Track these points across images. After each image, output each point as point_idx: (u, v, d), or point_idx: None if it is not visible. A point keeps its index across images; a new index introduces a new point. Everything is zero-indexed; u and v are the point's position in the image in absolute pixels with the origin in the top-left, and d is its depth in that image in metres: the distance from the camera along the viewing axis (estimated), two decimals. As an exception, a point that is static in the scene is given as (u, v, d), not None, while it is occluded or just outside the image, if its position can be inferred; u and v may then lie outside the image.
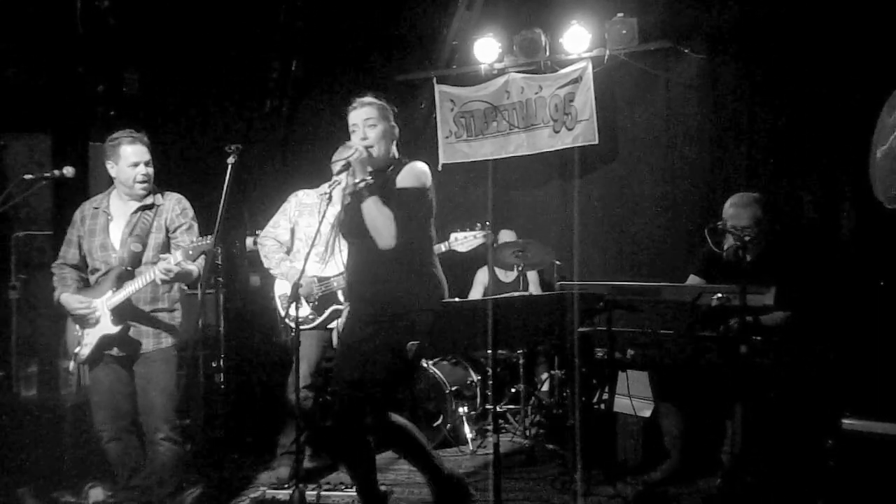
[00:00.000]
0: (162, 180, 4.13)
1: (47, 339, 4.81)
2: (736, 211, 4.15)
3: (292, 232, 4.64)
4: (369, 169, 3.32)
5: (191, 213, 3.92)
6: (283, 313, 4.59)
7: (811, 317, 4.01)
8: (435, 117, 6.39)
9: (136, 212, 3.81)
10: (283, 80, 6.34)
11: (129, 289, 3.65)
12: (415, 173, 3.36)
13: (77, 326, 3.75)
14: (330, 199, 4.28)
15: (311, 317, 4.50)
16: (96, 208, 3.86)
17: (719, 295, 3.66)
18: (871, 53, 4.71)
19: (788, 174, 5.30)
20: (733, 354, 3.65)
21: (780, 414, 3.70)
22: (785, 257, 4.14)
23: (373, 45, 6.47)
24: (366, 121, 3.40)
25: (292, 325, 4.09)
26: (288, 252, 4.65)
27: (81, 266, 3.86)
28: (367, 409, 3.30)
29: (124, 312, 3.68)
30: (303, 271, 4.11)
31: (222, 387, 3.42)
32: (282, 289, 4.62)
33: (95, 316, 3.67)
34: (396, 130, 3.49)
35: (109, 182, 4.84)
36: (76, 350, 3.73)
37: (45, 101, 5.14)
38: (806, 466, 3.62)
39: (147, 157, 3.79)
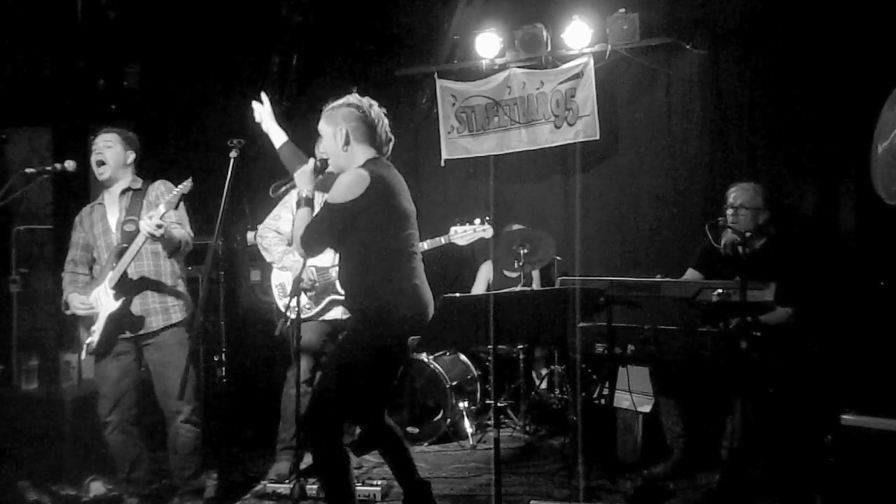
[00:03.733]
0: (163, 174, 4.15)
1: (48, 332, 4.83)
2: (739, 192, 4.23)
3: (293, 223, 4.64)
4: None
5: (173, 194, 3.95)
6: (280, 304, 4.58)
7: (810, 312, 4.01)
8: (436, 112, 6.38)
9: (122, 193, 3.90)
10: (284, 74, 6.32)
11: (126, 259, 3.70)
12: (339, 186, 3.20)
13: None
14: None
15: (307, 307, 4.49)
16: (91, 206, 3.98)
17: (719, 291, 3.66)
18: (873, 49, 4.71)
19: (789, 170, 5.30)
20: (733, 350, 3.65)
21: (780, 409, 3.70)
22: (785, 253, 4.15)
23: (373, 40, 6.45)
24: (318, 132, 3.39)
25: (292, 316, 4.11)
26: (290, 244, 4.64)
27: (90, 264, 3.95)
28: (332, 408, 3.23)
29: (126, 288, 3.75)
30: (304, 264, 4.14)
31: (223, 381, 3.43)
32: (278, 279, 4.62)
33: (97, 308, 3.75)
34: (343, 130, 3.29)
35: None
36: (87, 340, 3.79)
37: (46, 94, 5.14)
38: (805, 462, 3.63)
39: (105, 142, 3.88)
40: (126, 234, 3.78)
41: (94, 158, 3.89)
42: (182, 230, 3.83)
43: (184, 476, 3.89)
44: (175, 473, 3.91)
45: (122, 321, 3.77)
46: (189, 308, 3.96)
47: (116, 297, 3.73)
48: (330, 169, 3.43)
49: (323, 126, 3.36)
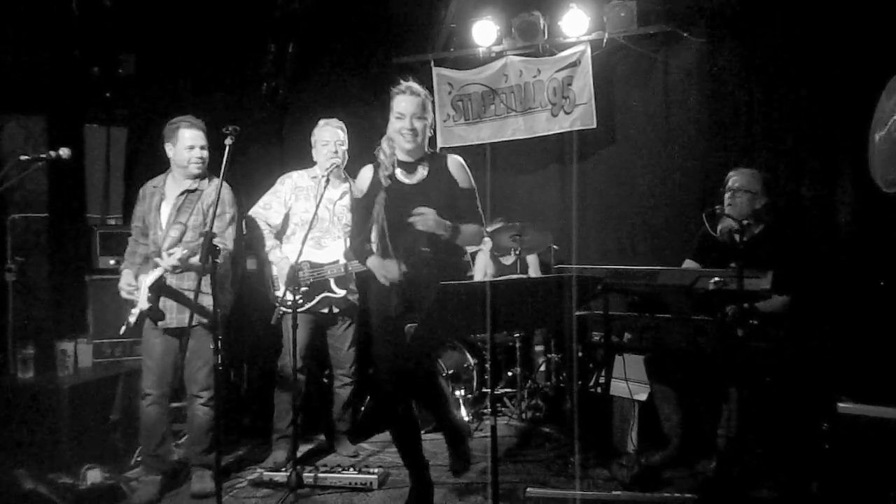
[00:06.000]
0: (158, 163, 4.15)
1: (44, 321, 4.82)
2: (738, 176, 4.23)
3: (286, 216, 4.62)
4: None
5: (228, 199, 4.15)
6: (276, 294, 4.57)
7: (807, 300, 4.02)
8: (433, 101, 6.35)
9: (181, 194, 4.10)
10: (280, 62, 6.29)
11: (157, 271, 3.93)
12: (466, 171, 3.56)
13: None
14: (327, 181, 4.30)
15: (299, 301, 4.48)
16: (155, 187, 4.17)
17: (716, 279, 3.66)
18: (870, 38, 4.69)
19: (787, 158, 5.29)
20: (730, 338, 3.66)
21: (777, 397, 3.71)
22: (782, 240, 4.15)
23: (370, 28, 6.42)
24: (413, 113, 3.47)
25: (283, 308, 4.12)
26: (278, 235, 4.63)
27: (147, 237, 4.16)
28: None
29: (163, 291, 4.00)
30: (299, 254, 4.13)
31: (220, 368, 3.44)
32: (272, 271, 4.61)
33: (137, 294, 4.01)
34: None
35: (105, 163, 4.90)
36: (128, 319, 4.06)
37: (41, 82, 5.10)
38: (801, 449, 3.64)
39: (203, 141, 4.11)
40: (171, 238, 4.02)
41: (193, 155, 4.06)
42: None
43: (196, 451, 4.15)
44: (189, 448, 4.20)
45: (150, 316, 4.01)
46: (229, 303, 4.24)
47: (149, 299, 3.96)
48: (408, 157, 3.51)
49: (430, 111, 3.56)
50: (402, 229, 3.39)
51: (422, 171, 3.51)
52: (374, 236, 3.57)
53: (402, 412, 3.62)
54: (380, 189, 3.46)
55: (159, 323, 4.04)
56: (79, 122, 5.32)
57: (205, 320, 4.01)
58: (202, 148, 4.09)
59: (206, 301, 3.97)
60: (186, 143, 4.06)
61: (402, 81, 3.54)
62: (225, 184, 4.04)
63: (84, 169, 5.29)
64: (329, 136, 4.57)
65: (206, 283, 3.94)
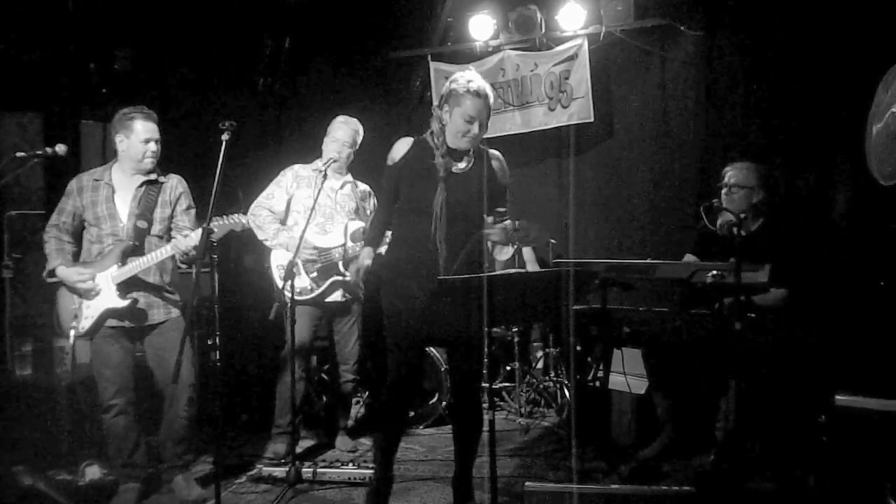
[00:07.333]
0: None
1: (42, 318, 4.81)
2: (733, 172, 4.22)
3: (288, 203, 4.63)
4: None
5: (189, 194, 4.06)
6: (279, 284, 4.54)
7: (805, 293, 4.02)
8: (429, 95, 6.35)
9: (141, 186, 3.92)
10: (276, 58, 6.28)
11: (139, 264, 3.76)
12: (505, 168, 3.64)
13: (74, 298, 3.82)
14: (325, 175, 4.31)
15: (309, 287, 4.49)
16: (97, 180, 3.93)
17: (714, 272, 3.66)
18: (867, 31, 4.69)
19: (784, 152, 5.28)
20: (727, 331, 3.66)
21: (774, 390, 3.72)
22: (780, 234, 4.15)
23: (366, 22, 6.41)
24: (482, 118, 3.39)
25: (289, 295, 4.11)
26: (281, 223, 4.64)
27: (76, 234, 3.93)
28: None
29: (132, 286, 3.80)
30: (300, 241, 4.13)
31: (217, 365, 3.44)
32: (278, 259, 4.60)
33: (97, 289, 3.77)
34: None
35: (101, 160, 4.86)
36: (74, 323, 3.81)
37: (37, 79, 5.10)
38: (799, 442, 3.64)
39: (157, 134, 3.91)
40: (138, 230, 3.84)
41: (148, 149, 3.87)
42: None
43: (177, 452, 3.95)
44: (167, 448, 3.96)
45: (122, 314, 3.81)
46: (185, 296, 4.02)
47: (122, 296, 3.78)
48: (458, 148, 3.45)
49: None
50: (455, 219, 3.39)
51: (467, 159, 3.48)
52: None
53: (403, 407, 3.59)
54: (424, 168, 3.39)
55: (126, 322, 3.83)
56: (75, 119, 5.31)
57: (173, 315, 3.92)
58: (156, 142, 3.90)
59: (171, 297, 3.97)
60: (142, 136, 3.84)
61: (468, 73, 3.41)
62: (181, 177, 4.05)
63: (80, 166, 5.28)
64: (339, 135, 4.60)
65: (167, 279, 3.94)
